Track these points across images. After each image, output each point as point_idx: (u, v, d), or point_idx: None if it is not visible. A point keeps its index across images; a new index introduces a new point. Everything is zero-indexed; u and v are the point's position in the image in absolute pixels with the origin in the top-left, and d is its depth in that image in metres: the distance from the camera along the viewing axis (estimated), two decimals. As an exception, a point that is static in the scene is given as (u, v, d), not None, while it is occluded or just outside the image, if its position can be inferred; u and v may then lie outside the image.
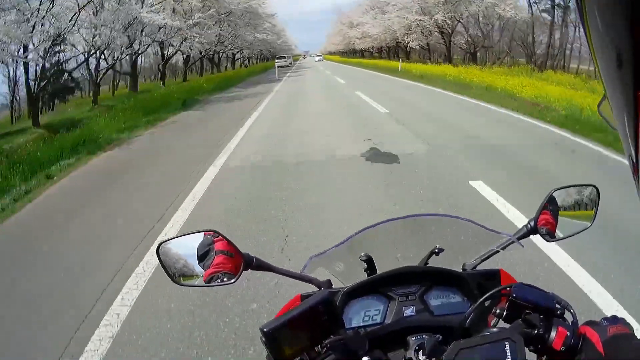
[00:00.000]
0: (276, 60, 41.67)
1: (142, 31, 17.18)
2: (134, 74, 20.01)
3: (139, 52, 19.23)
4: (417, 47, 27.47)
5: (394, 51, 36.12)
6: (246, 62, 50.28)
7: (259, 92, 17.74)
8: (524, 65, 22.39)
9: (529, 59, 25.66)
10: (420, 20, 25.01)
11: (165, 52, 24.88)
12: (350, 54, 69.69)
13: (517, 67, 21.50)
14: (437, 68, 20.94)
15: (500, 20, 24.65)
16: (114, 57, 16.98)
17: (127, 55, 17.33)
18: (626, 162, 0.35)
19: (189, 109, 13.32)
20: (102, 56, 16.52)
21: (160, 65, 23.90)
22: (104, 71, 17.29)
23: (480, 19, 25.08)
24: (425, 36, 26.02)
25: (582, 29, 0.32)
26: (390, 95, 13.78)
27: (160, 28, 18.02)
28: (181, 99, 14.57)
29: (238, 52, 44.49)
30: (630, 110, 0.30)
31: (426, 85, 16.67)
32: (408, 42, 27.24)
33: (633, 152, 0.33)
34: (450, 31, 25.44)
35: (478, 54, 26.24)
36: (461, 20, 25.71)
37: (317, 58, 61.21)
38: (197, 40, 23.79)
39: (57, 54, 16.42)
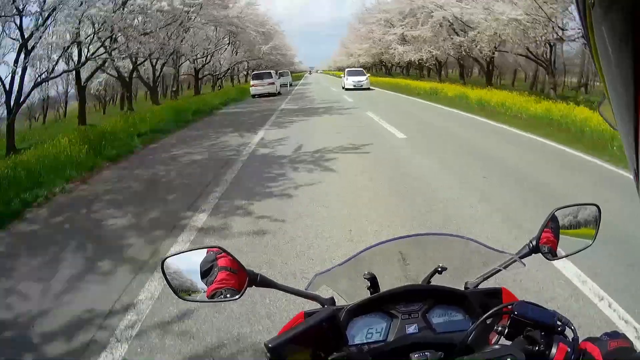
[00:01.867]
0: (252, 83, 22.68)
1: None
2: None
3: None
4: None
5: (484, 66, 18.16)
6: (220, 81, 32.97)
7: None
8: None
9: None
10: None
11: None
12: (373, 68, 51.84)
13: None
14: None
15: None
16: None
17: None
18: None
19: None
20: None
21: None
22: None
23: None
24: None
25: (583, 29, 0.32)
26: None
27: None
28: None
29: (203, 66, 27.35)
30: (631, 111, 0.30)
31: None
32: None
33: (633, 152, 0.32)
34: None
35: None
36: None
37: (351, 80, 23.67)
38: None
39: None
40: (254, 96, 22.35)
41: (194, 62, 27.13)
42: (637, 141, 0.31)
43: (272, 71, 25.08)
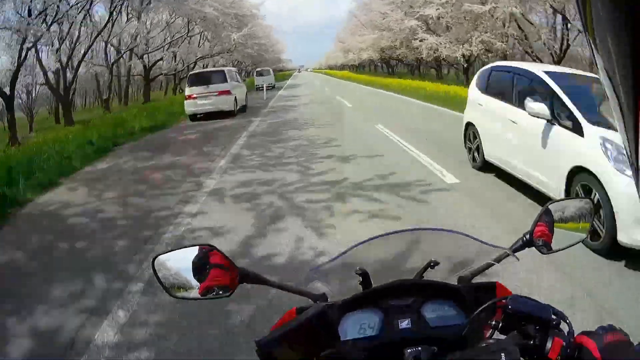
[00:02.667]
0: (187, 92, 12.37)
1: None
2: None
3: None
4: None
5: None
6: (179, 83, 25.29)
7: None
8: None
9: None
10: None
11: None
12: (370, 67, 44.45)
13: None
14: None
15: None
16: None
17: None
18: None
19: None
20: None
21: None
22: None
23: None
24: None
25: (583, 29, 0.32)
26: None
27: None
28: None
29: (155, 63, 19.75)
30: (631, 111, 0.30)
31: None
32: None
33: (633, 152, 0.32)
34: None
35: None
36: None
37: None
38: None
39: None
40: (194, 117, 12.58)
41: (141, 59, 19.65)
42: (637, 141, 0.31)
43: (225, 69, 13.98)
